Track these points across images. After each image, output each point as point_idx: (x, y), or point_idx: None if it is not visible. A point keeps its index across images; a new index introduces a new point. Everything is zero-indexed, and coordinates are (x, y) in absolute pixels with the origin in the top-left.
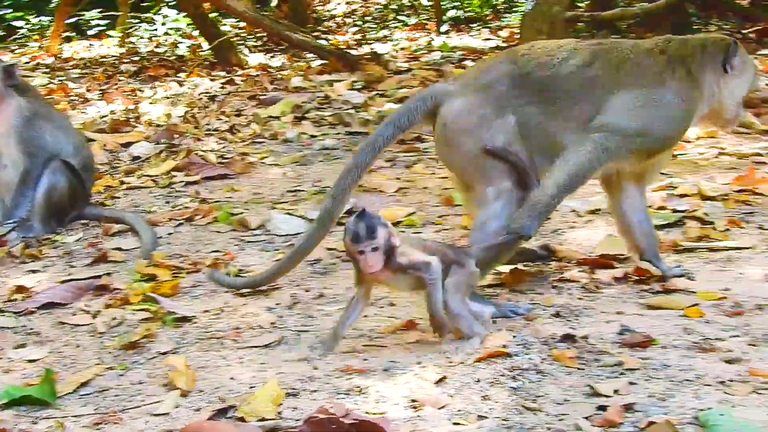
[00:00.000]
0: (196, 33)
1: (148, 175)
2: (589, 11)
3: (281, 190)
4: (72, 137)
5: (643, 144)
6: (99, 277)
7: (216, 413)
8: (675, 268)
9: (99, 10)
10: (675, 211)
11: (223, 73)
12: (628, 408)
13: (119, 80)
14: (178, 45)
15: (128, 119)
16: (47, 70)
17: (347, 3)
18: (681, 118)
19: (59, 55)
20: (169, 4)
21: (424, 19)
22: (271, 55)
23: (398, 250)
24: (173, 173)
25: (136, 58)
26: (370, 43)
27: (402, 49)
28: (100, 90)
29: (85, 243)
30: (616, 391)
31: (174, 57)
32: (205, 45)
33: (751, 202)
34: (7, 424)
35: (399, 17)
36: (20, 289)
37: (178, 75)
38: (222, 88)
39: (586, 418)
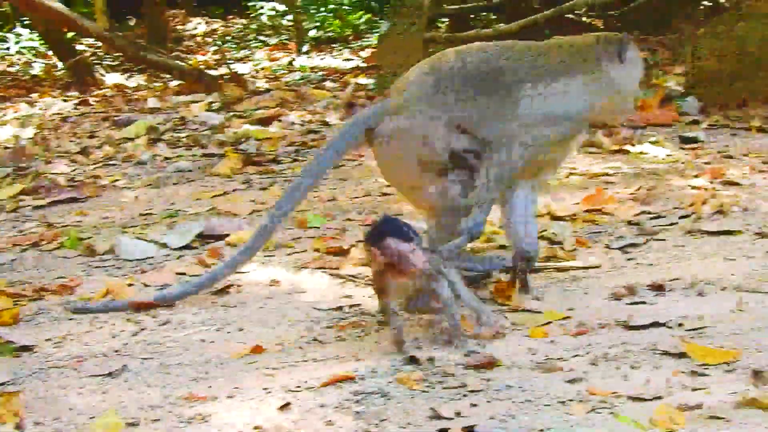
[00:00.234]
0: (50, 52)
1: None
2: (447, 32)
3: (132, 214)
4: None
5: (556, 132)
6: None
7: None
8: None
9: None
10: None
11: (76, 94)
12: (469, 430)
13: None
14: (32, 65)
15: None
16: None
17: (207, 23)
18: (585, 105)
19: None
20: (24, 23)
21: (285, 40)
22: (129, 75)
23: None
24: (21, 197)
25: None
26: (231, 64)
27: (262, 69)
28: None
29: None
30: (457, 413)
31: (28, 77)
32: (61, 65)
33: (598, 222)
34: None
35: (260, 37)
36: None
37: (29, 95)
38: (75, 108)
39: None
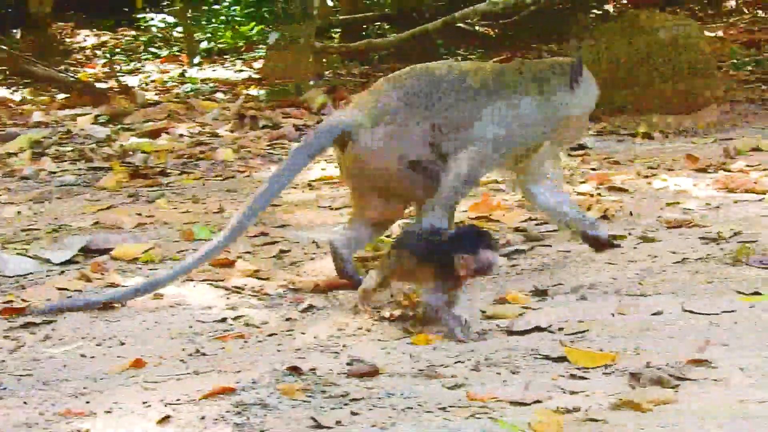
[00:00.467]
0: None
1: None
2: (340, 42)
3: (14, 230)
4: None
5: (508, 151)
6: None
7: None
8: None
9: None
10: None
11: None
12: None
13: None
14: None
15: None
16: None
17: (96, 35)
18: (534, 126)
19: None
20: None
21: (176, 52)
22: (14, 89)
23: None
24: None
25: None
26: (120, 76)
27: (153, 81)
28: None
29: None
30: (338, 422)
31: None
32: None
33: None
34: None
35: (151, 49)
36: None
37: None
38: None
39: None
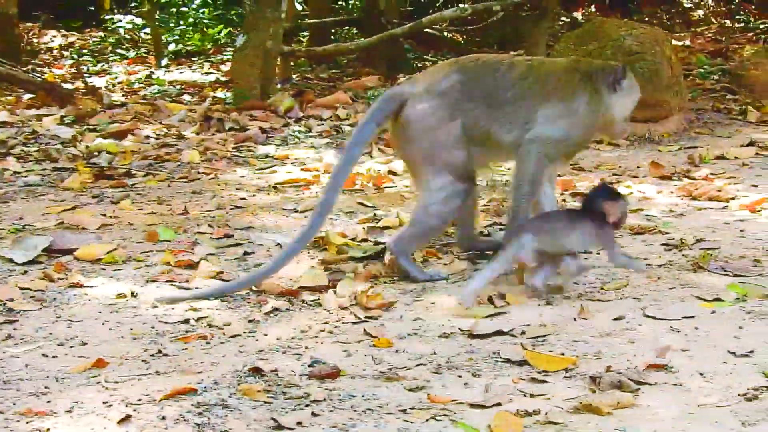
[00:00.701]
0: None
1: None
2: (307, 46)
3: None
4: None
5: (567, 148)
6: None
7: None
8: None
9: None
10: (377, 243)
11: None
12: None
13: None
14: None
15: None
16: None
17: (64, 36)
18: (588, 125)
19: None
20: None
21: (143, 53)
22: None
23: None
24: None
25: None
26: (87, 77)
27: (119, 82)
28: None
29: None
30: (299, 423)
31: None
32: None
33: (449, 233)
34: None
35: (118, 51)
36: None
37: None
38: None
39: None
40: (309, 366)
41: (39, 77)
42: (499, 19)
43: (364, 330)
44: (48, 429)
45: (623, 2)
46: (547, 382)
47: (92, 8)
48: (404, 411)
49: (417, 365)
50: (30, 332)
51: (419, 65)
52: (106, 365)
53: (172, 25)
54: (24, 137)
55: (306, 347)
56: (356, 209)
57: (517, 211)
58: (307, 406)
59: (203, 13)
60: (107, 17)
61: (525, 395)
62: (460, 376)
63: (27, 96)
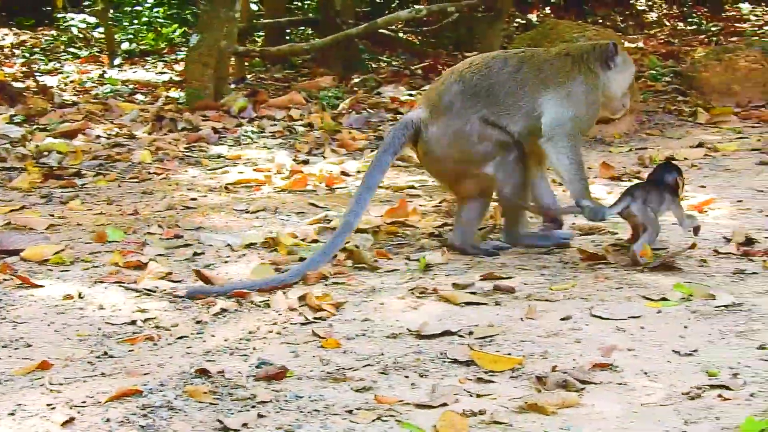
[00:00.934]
0: None
1: None
2: (263, 46)
3: None
4: None
5: (582, 124)
6: None
7: None
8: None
9: None
10: None
11: None
12: None
13: None
14: None
15: None
16: None
17: (15, 34)
18: (591, 103)
19: None
20: None
21: (96, 52)
22: None
23: None
24: None
25: None
26: (39, 76)
27: (72, 82)
28: None
29: None
30: (244, 425)
31: None
32: None
33: (401, 234)
34: None
35: (71, 49)
36: None
37: None
38: None
39: None
40: (256, 367)
41: None
42: (454, 20)
43: (313, 331)
44: None
45: (578, 4)
46: (493, 382)
47: (46, 8)
48: (350, 412)
49: (364, 366)
50: None
51: (374, 66)
52: (51, 367)
53: (125, 24)
54: None
55: (253, 348)
56: (307, 210)
57: (584, 191)
58: (253, 407)
59: (157, 12)
60: (60, 16)
61: (471, 395)
62: (407, 377)
63: None
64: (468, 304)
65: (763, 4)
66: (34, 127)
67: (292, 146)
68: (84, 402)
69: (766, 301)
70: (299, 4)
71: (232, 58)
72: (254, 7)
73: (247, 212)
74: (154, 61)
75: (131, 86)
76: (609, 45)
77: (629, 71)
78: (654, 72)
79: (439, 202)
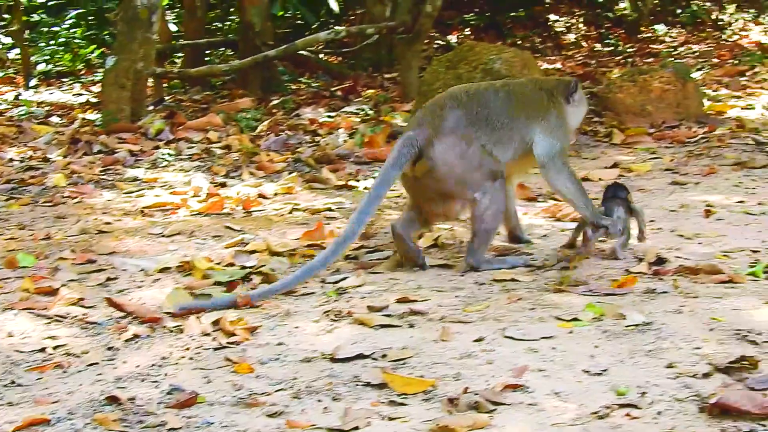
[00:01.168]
0: None
1: None
2: (182, 67)
3: None
4: None
5: (567, 152)
6: None
7: None
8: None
9: None
10: (243, 267)
11: None
12: None
13: None
14: None
15: None
16: None
17: None
18: (566, 133)
19: None
20: None
21: (12, 73)
22: None
23: None
24: None
25: None
26: None
27: None
28: None
29: None
30: None
31: None
32: None
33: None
34: None
35: None
36: None
37: None
38: None
39: None
40: (167, 393)
41: None
42: (374, 42)
43: (226, 356)
44: None
45: (497, 26)
46: (405, 405)
47: None
48: None
49: (277, 390)
50: None
51: (293, 87)
52: None
53: (42, 44)
54: None
55: (165, 374)
56: (224, 233)
57: (588, 207)
58: None
59: (75, 32)
60: None
61: (383, 418)
62: (320, 401)
63: None
64: (382, 326)
65: (678, 26)
66: None
67: (210, 169)
68: None
69: (676, 320)
70: (219, 25)
71: (150, 80)
72: (173, 27)
73: (162, 236)
74: (71, 82)
75: (47, 108)
76: (572, 82)
77: (584, 108)
78: None
79: None
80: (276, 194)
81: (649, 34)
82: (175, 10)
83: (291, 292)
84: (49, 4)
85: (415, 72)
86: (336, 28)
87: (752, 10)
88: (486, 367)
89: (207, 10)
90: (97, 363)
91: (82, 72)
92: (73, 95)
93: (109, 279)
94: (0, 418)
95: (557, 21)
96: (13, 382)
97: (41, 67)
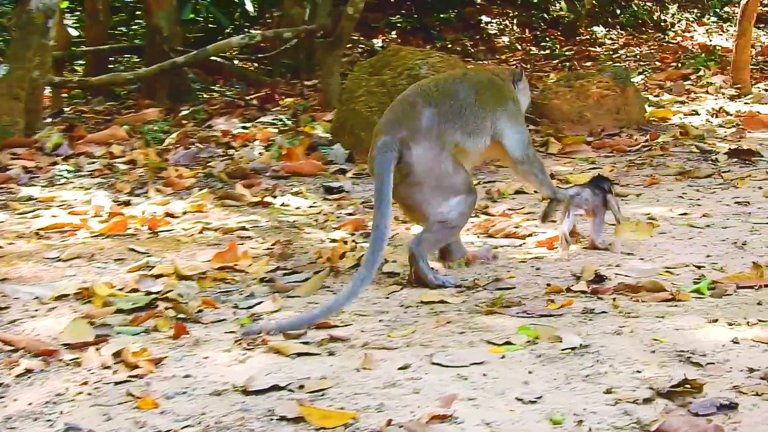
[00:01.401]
0: None
1: None
2: (84, 76)
3: None
4: None
5: (531, 141)
6: None
7: None
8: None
9: None
10: (148, 293)
11: None
12: None
13: None
14: None
15: None
16: None
17: None
18: (523, 118)
19: None
20: None
21: None
22: None
23: None
24: None
25: None
26: None
27: None
28: None
29: None
30: None
31: None
32: None
33: (229, 280)
34: None
35: None
36: None
37: None
38: None
39: None
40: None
41: None
42: (292, 46)
43: (128, 390)
44: None
45: (425, 29)
46: None
47: None
48: None
49: (184, 427)
50: None
51: (205, 96)
52: None
53: None
54: None
55: (60, 412)
56: (127, 256)
57: (551, 188)
58: None
59: None
60: None
61: None
62: None
63: None
64: (299, 355)
65: (617, 27)
66: None
67: (112, 186)
68: None
69: (615, 341)
70: (124, 30)
71: (48, 90)
72: (74, 32)
73: (59, 260)
74: None
75: None
76: (516, 71)
77: (528, 96)
78: None
79: (272, 245)
80: (185, 213)
81: (588, 37)
82: (76, 14)
83: (198, 320)
84: None
85: (337, 78)
86: (251, 32)
87: (695, 10)
88: (412, 396)
89: (110, 14)
90: None
91: None
92: None
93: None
94: None
95: (490, 23)
96: None
97: None
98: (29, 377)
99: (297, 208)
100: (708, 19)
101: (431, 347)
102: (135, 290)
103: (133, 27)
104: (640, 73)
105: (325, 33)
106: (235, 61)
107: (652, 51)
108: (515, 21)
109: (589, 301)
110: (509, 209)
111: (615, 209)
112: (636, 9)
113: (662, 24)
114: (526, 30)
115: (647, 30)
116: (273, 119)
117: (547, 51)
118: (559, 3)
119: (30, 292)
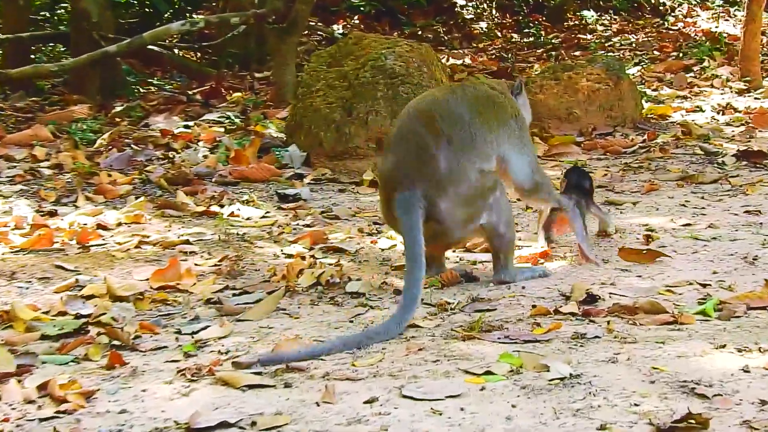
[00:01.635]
0: None
1: None
2: (0, 68)
3: None
4: None
5: (538, 164)
6: None
7: None
8: None
9: None
10: (78, 316)
11: None
12: None
13: None
14: None
15: None
16: None
17: None
18: (529, 135)
19: None
20: None
21: None
22: None
23: None
24: None
25: None
26: None
27: None
28: None
29: None
30: None
31: None
32: None
33: (171, 301)
34: None
35: None
36: None
37: None
38: None
39: None
40: None
41: None
42: (240, 33)
43: (54, 428)
44: None
45: (392, 13)
46: None
47: None
48: None
49: None
50: None
51: (142, 91)
52: None
53: None
54: None
55: None
56: (54, 274)
57: (558, 201)
58: None
59: None
60: None
61: None
62: None
63: None
64: (251, 387)
65: (610, 12)
66: None
67: (36, 194)
68: None
69: (609, 371)
70: (47, 15)
71: None
72: None
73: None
74: None
75: None
76: (516, 83)
77: (528, 112)
78: None
79: (219, 261)
80: (119, 224)
81: (577, 22)
82: None
83: (135, 348)
84: None
85: (292, 70)
86: (193, 17)
87: None
88: None
89: None
90: None
91: None
92: None
93: None
94: None
95: (465, 6)
96: None
97: None
98: None
99: (247, 218)
100: (713, 2)
101: (401, 378)
102: (62, 313)
103: (58, 12)
104: (636, 64)
105: (277, 18)
106: (176, 51)
107: (650, 39)
108: (494, 4)
109: (579, 325)
110: None
111: (600, 214)
112: None
113: (661, 8)
114: (507, 15)
115: (644, 15)
116: (219, 117)
117: (531, 39)
118: None
119: None
